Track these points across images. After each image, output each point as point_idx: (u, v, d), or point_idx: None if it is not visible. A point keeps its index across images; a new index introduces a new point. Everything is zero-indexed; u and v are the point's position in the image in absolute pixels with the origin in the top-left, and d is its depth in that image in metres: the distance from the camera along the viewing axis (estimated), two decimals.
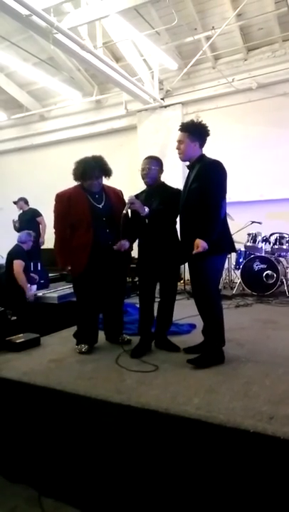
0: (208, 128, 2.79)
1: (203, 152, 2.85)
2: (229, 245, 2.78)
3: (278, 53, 6.65)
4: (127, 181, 6.25)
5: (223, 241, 2.69)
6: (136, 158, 7.80)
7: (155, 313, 3.11)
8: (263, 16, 6.05)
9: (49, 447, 2.36)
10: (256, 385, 2.30)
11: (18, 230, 7.22)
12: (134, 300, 4.60)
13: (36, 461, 2.41)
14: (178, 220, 2.96)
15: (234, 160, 6.88)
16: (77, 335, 3.22)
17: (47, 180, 8.84)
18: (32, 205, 7.44)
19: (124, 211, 2.95)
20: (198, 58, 6.48)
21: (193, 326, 3.67)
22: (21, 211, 7.29)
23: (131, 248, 3.31)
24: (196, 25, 6.34)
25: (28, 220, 7.10)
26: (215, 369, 2.59)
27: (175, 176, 5.87)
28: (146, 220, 2.96)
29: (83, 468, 2.23)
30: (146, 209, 2.92)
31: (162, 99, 7.47)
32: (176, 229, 3.07)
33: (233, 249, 2.82)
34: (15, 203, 7.29)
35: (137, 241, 3.18)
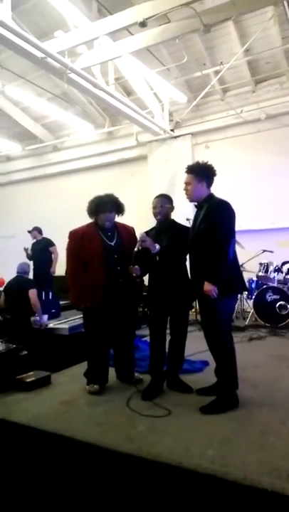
0: (215, 168, 2.82)
1: (212, 191, 2.86)
2: (240, 286, 2.75)
3: (286, 85, 6.78)
4: (136, 211, 6.31)
5: (234, 281, 2.67)
6: (146, 188, 7.91)
7: (166, 349, 3.07)
8: (270, 51, 6.20)
9: (58, 494, 2.28)
10: (272, 435, 2.22)
11: (30, 258, 7.32)
12: (145, 332, 4.56)
13: (46, 507, 2.33)
14: (188, 257, 2.96)
15: (244, 188, 6.94)
16: (87, 374, 3.18)
17: (59, 209, 9.00)
18: (44, 233, 7.56)
19: (136, 249, 2.96)
20: (207, 91, 6.63)
21: (205, 364, 3.59)
22: (35, 240, 7.40)
23: (142, 284, 3.32)
24: (204, 60, 6.52)
25: (41, 250, 7.20)
26: (229, 414, 2.52)
27: (186, 206, 5.91)
28: (157, 258, 2.96)
29: None
30: (158, 246, 2.93)
31: (172, 130, 7.61)
32: (186, 266, 3.06)
33: (245, 289, 2.78)
34: (29, 232, 7.41)
35: (147, 278, 3.17)
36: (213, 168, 2.81)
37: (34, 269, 7.31)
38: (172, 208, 3.15)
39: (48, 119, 8.58)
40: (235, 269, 2.71)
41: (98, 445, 2.19)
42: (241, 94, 7.14)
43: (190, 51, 6.13)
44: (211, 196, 2.81)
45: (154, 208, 3.12)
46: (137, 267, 2.95)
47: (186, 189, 2.83)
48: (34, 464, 2.39)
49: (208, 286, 2.52)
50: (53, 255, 7.15)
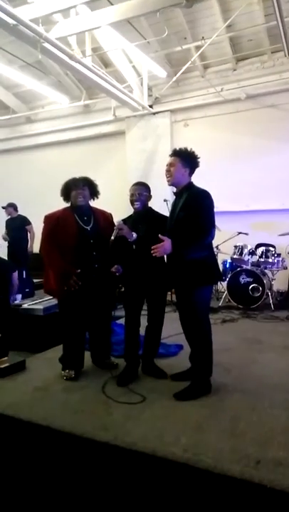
0: (199, 159, 2.77)
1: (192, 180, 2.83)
2: (217, 275, 2.78)
3: (267, 65, 6.67)
4: (113, 187, 6.22)
5: (211, 272, 2.69)
6: (123, 164, 7.76)
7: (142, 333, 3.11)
8: (252, 28, 6.05)
9: (34, 483, 2.32)
10: (243, 422, 2.32)
11: (6, 239, 7.13)
12: (120, 313, 4.59)
13: (20, 497, 2.37)
14: None
15: (222, 169, 6.92)
16: (63, 359, 3.19)
17: (33, 184, 8.72)
18: (18, 209, 7.35)
19: (112, 237, 2.92)
20: (187, 67, 6.44)
21: (180, 347, 3.67)
22: (9, 217, 7.18)
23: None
24: (185, 34, 6.29)
25: (17, 228, 7.02)
26: (201, 400, 2.60)
27: (163, 187, 5.87)
28: (134, 246, 2.94)
29: (68, 507, 2.20)
30: (134, 235, 2.91)
31: (151, 106, 7.41)
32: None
33: (221, 279, 2.82)
34: (4, 208, 7.18)
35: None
36: (198, 158, 2.77)
37: (9, 247, 7.14)
38: (150, 197, 3.11)
39: (20, 88, 8.14)
40: (212, 259, 2.73)
41: (74, 434, 2.22)
42: (222, 71, 6.99)
43: (171, 24, 5.89)
44: (191, 184, 2.78)
45: (132, 195, 3.07)
46: (118, 266, 2.95)
47: (168, 170, 2.77)
48: (10, 453, 2.40)
49: (165, 244, 2.49)
50: (29, 234, 7.00)
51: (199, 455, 1.97)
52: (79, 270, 2.97)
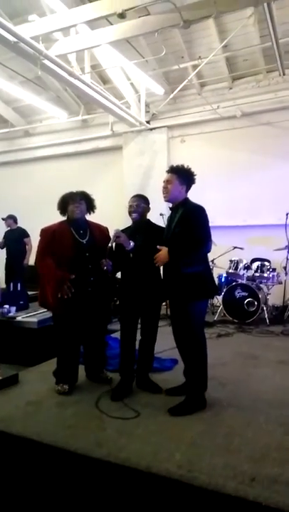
0: (196, 176, 2.82)
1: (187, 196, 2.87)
2: (212, 290, 2.80)
3: (262, 84, 6.83)
4: (110, 202, 6.27)
5: (206, 286, 2.71)
6: (120, 179, 7.84)
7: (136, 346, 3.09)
8: (248, 48, 6.22)
9: (24, 500, 2.28)
10: (237, 437, 2.29)
11: (2, 247, 7.16)
12: (115, 326, 4.57)
13: None
14: None
15: (218, 185, 7.01)
16: (57, 373, 3.16)
17: (30, 197, 8.76)
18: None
19: (110, 244, 2.95)
20: (184, 85, 6.58)
21: (175, 362, 3.65)
22: (9, 229, 7.24)
23: (114, 283, 3.32)
24: (183, 53, 6.46)
25: (16, 240, 7.09)
26: (196, 416, 2.58)
27: (160, 201, 5.93)
28: (131, 255, 2.96)
29: None
30: (132, 243, 2.92)
31: (148, 122, 7.53)
32: (159, 267, 3.07)
33: (216, 293, 2.84)
34: (3, 219, 7.26)
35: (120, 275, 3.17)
36: (194, 175, 2.82)
37: (7, 259, 7.18)
38: (148, 209, 3.15)
39: (19, 103, 8.25)
40: (208, 274, 2.75)
41: (67, 449, 2.19)
42: (218, 89, 7.14)
43: (168, 43, 6.04)
44: (186, 200, 2.82)
45: (130, 206, 3.10)
46: (109, 261, 2.93)
47: (165, 187, 2.80)
48: (1, 468, 2.36)
49: (162, 252, 2.60)
50: (27, 246, 7.05)
51: (193, 472, 1.95)
52: (73, 276, 2.96)
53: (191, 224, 2.62)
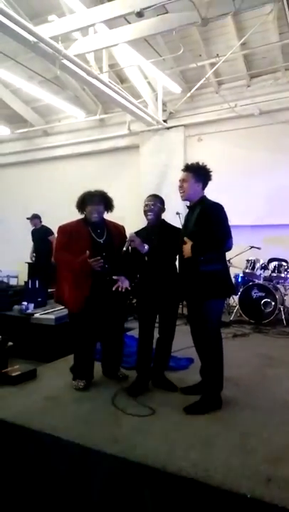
0: (211, 173, 2.81)
1: (205, 194, 2.86)
2: (229, 289, 2.79)
3: (281, 81, 6.74)
4: (126, 201, 6.27)
5: (224, 285, 2.70)
6: (137, 178, 7.85)
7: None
8: (266, 45, 6.14)
9: (41, 493, 2.32)
10: (254, 438, 2.28)
11: (33, 259, 7.53)
12: (132, 325, 4.60)
13: (29, 506, 2.37)
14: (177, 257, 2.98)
15: (235, 184, 6.95)
16: (74, 369, 3.20)
17: (49, 196, 8.87)
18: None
19: (125, 248, 2.96)
20: (201, 83, 6.55)
21: (191, 361, 3.64)
22: (33, 228, 7.50)
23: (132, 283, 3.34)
24: (200, 51, 6.42)
25: (42, 238, 7.28)
26: (212, 415, 2.57)
27: (176, 200, 5.91)
28: (146, 258, 2.97)
29: None
30: (146, 247, 2.93)
31: (165, 120, 7.52)
32: (175, 266, 3.08)
33: (233, 293, 2.82)
34: (29, 219, 7.46)
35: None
36: (210, 172, 2.81)
37: (36, 258, 7.42)
38: (163, 209, 3.15)
39: (38, 103, 8.37)
40: (226, 273, 2.74)
41: (84, 445, 2.22)
42: (236, 87, 7.08)
43: (186, 41, 6.02)
44: (204, 198, 2.81)
45: (146, 205, 3.11)
46: (122, 277, 2.97)
47: (181, 186, 2.80)
48: (20, 461, 2.41)
49: (188, 247, 2.63)
50: (53, 245, 7.27)
51: (209, 471, 1.95)
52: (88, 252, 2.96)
53: (210, 222, 2.61)
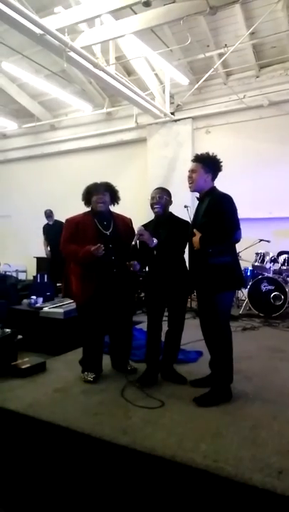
0: (222, 163, 2.76)
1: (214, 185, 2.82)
2: (239, 281, 2.75)
3: None
4: (134, 195, 6.25)
5: (234, 277, 2.67)
6: (144, 171, 7.82)
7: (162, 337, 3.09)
8: (276, 34, 6.03)
9: (54, 484, 2.33)
10: (264, 430, 2.26)
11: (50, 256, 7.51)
12: (140, 318, 4.59)
13: (40, 497, 2.38)
14: (186, 250, 2.95)
15: (244, 176, 6.88)
16: (83, 362, 3.21)
17: (56, 190, 8.89)
18: (40, 213, 7.60)
19: (133, 242, 2.94)
20: (209, 74, 6.47)
21: (200, 354, 3.63)
22: (47, 223, 7.57)
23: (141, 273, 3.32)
24: (208, 42, 6.34)
25: (57, 233, 7.34)
26: (222, 408, 2.56)
27: (184, 193, 5.85)
28: (155, 252, 2.95)
29: (87, 507, 2.20)
30: (155, 240, 2.90)
31: (172, 113, 7.46)
32: (184, 259, 3.06)
33: (244, 286, 2.79)
34: (48, 215, 7.50)
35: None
36: (220, 162, 2.77)
37: (52, 253, 7.41)
38: (170, 202, 3.12)
39: (45, 97, 8.36)
40: (236, 265, 2.71)
41: (94, 436, 2.22)
42: (244, 78, 6.98)
43: (194, 32, 5.94)
44: (213, 189, 2.77)
45: (153, 198, 3.08)
46: (135, 262, 2.93)
47: (190, 177, 2.76)
48: (29, 452, 2.43)
49: (196, 239, 2.61)
50: None
51: (219, 462, 1.93)
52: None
53: (218, 213, 2.58)
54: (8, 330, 3.69)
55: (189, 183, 2.79)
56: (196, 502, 1.89)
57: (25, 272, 9.15)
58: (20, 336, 4.02)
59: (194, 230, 2.65)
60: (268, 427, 2.31)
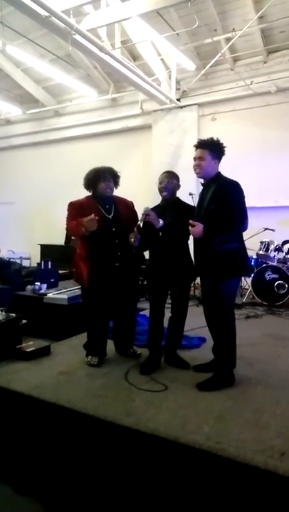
0: (225, 148, 2.74)
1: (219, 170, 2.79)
2: (247, 268, 2.75)
3: None
4: (138, 181, 6.23)
5: (240, 264, 2.66)
6: (149, 158, 7.76)
7: (165, 324, 3.10)
8: (285, 18, 5.90)
9: (57, 463, 2.37)
10: (267, 414, 2.28)
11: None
12: (143, 305, 4.61)
13: (44, 476, 2.43)
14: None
15: (250, 164, 6.81)
16: (87, 346, 3.23)
17: (60, 177, 8.84)
18: (45, 201, 7.55)
19: (139, 222, 2.93)
20: (216, 59, 6.36)
21: (203, 340, 3.65)
22: None
23: (143, 259, 3.32)
24: (216, 26, 6.22)
25: None
26: (224, 392, 2.58)
27: (189, 180, 5.78)
28: (160, 233, 2.94)
29: (89, 487, 2.24)
30: (161, 222, 2.90)
31: (178, 99, 7.37)
32: (188, 244, 3.05)
33: (251, 271, 2.78)
34: None
35: (147, 254, 3.17)
36: (224, 147, 2.73)
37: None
38: (178, 186, 3.10)
39: (50, 82, 8.27)
40: (243, 251, 2.69)
41: (97, 417, 2.25)
42: (252, 64, 6.87)
43: (201, 15, 5.82)
44: (219, 175, 2.74)
45: (161, 183, 3.05)
46: (137, 235, 2.90)
47: (198, 164, 2.71)
48: (34, 432, 2.46)
49: (196, 228, 2.55)
50: None
51: (222, 444, 1.95)
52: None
53: (226, 200, 2.55)
54: (12, 314, 3.72)
55: (196, 171, 2.75)
56: (198, 482, 1.91)
57: (29, 259, 9.17)
58: (24, 321, 4.05)
59: (191, 222, 2.60)
60: (271, 410, 2.33)
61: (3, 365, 3.08)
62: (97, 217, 2.88)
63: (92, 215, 2.87)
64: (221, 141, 2.74)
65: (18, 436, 2.55)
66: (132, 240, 2.90)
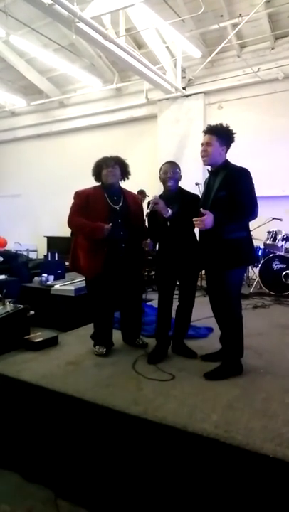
0: (235, 134, 2.69)
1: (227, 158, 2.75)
2: (252, 257, 2.72)
3: None
4: (144, 172, 6.16)
5: (247, 253, 2.63)
6: (154, 148, 7.69)
7: (173, 314, 3.10)
8: None
9: (66, 451, 2.40)
10: (275, 403, 2.27)
11: None
12: (150, 296, 4.60)
13: (53, 463, 2.45)
14: None
15: (257, 153, 6.72)
16: (94, 336, 3.24)
17: (65, 168, 8.82)
18: (51, 193, 7.53)
19: (148, 210, 2.92)
20: (223, 46, 6.25)
21: (210, 330, 3.64)
22: None
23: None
24: (222, 11, 6.10)
25: None
26: (232, 381, 2.57)
27: (196, 170, 5.72)
28: (168, 223, 2.92)
29: (99, 474, 2.26)
30: (170, 211, 2.87)
31: (184, 88, 7.27)
32: (194, 233, 3.02)
33: (256, 261, 2.75)
34: None
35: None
36: (234, 134, 2.68)
37: None
38: (180, 177, 3.06)
39: (54, 72, 8.21)
40: (249, 240, 2.66)
41: (106, 406, 2.26)
42: (259, 50, 6.74)
43: (207, 1, 5.71)
44: (227, 162, 2.70)
45: (165, 173, 3.02)
46: (149, 241, 2.91)
47: (205, 150, 2.65)
48: (42, 421, 2.48)
49: (207, 218, 2.43)
50: None
51: (230, 432, 1.95)
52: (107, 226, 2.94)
53: (236, 187, 2.51)
54: (20, 305, 3.74)
55: (203, 157, 2.70)
56: (207, 470, 1.92)
57: (35, 251, 9.20)
58: (32, 312, 4.07)
59: (202, 210, 2.51)
60: (279, 399, 2.32)
61: (12, 355, 3.10)
62: (110, 227, 2.90)
63: (110, 225, 2.89)
64: (231, 128, 2.68)
65: (26, 424, 2.58)
66: (146, 248, 2.93)
